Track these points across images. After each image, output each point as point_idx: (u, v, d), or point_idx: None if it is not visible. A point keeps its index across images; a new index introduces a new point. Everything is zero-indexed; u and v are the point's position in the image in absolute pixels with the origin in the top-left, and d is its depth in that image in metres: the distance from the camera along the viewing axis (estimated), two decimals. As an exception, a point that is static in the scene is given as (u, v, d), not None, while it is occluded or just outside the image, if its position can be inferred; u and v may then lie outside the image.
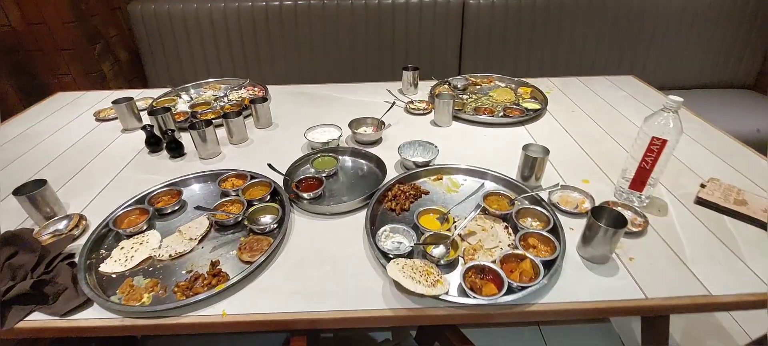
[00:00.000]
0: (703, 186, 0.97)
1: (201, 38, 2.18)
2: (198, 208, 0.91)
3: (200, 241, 0.86)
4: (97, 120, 1.44)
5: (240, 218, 0.89)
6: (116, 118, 1.40)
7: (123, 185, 1.07)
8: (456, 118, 1.36)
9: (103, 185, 1.07)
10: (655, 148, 0.82)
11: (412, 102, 1.47)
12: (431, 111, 1.41)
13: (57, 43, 1.95)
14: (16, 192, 0.89)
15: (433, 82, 1.62)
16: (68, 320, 0.70)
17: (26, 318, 0.70)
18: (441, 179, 1.05)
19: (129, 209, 0.93)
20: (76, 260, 0.80)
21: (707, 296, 0.71)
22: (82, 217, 0.92)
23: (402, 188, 0.98)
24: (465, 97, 1.52)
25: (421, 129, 1.31)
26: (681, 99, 0.81)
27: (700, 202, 0.94)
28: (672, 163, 1.08)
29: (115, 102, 1.33)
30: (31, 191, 0.89)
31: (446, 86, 1.59)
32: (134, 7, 2.14)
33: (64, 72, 2.03)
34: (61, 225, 0.90)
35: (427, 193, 0.99)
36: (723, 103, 2.12)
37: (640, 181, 0.89)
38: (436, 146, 1.12)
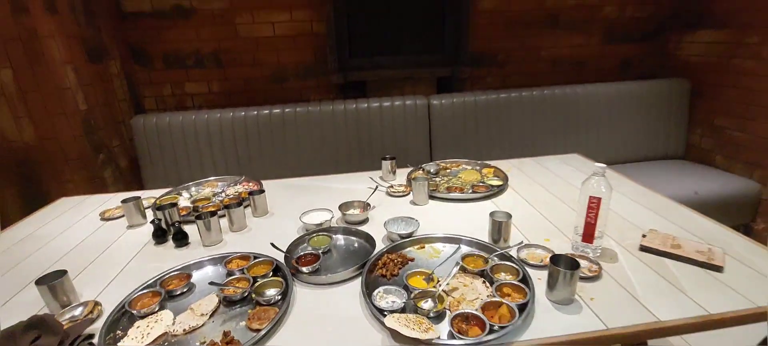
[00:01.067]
0: (644, 236, 1.11)
1: (198, 144, 2.33)
2: (212, 283, 0.97)
3: (211, 316, 0.91)
4: (103, 219, 1.50)
5: (247, 293, 0.96)
6: (122, 216, 1.47)
7: (132, 274, 1.11)
8: (431, 197, 1.50)
9: (114, 275, 1.11)
10: (594, 205, 0.97)
11: (392, 186, 1.61)
12: (409, 193, 1.55)
13: (65, 155, 2.05)
14: (39, 282, 0.93)
15: (409, 169, 1.78)
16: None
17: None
18: (423, 247, 1.15)
19: (142, 292, 0.98)
20: (95, 341, 0.83)
21: (658, 322, 0.81)
22: (96, 303, 0.95)
23: (390, 257, 1.08)
24: (437, 179, 1.69)
25: (401, 208, 1.44)
26: (604, 165, 0.99)
27: (644, 249, 1.07)
28: (617, 220, 1.23)
29: (124, 201, 1.41)
30: (52, 281, 0.94)
31: (421, 171, 1.75)
32: (137, 120, 2.31)
33: (67, 179, 2.10)
34: (77, 312, 0.93)
35: (412, 259, 1.09)
36: (661, 172, 2.38)
37: (588, 234, 1.02)
38: (416, 220, 1.24)
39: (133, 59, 2.44)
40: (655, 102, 2.51)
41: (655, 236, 1.11)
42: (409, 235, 1.17)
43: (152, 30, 2.38)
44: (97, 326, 0.88)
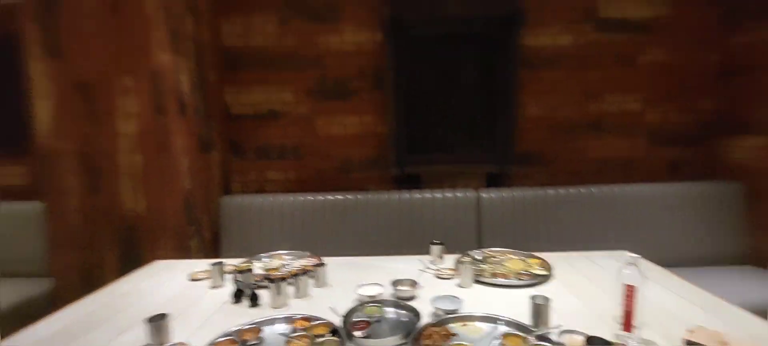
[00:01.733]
0: (690, 332, 1.09)
1: (272, 222, 2.61)
2: (282, 334, 1.10)
3: (277, 364, 1.03)
4: (191, 280, 1.73)
5: (308, 347, 1.07)
6: (207, 278, 1.69)
7: (214, 324, 1.28)
8: (477, 281, 1.57)
9: (199, 325, 1.29)
10: (629, 293, 1.01)
11: (439, 269, 1.70)
12: (456, 276, 1.63)
13: (164, 225, 2.40)
14: (149, 320, 1.13)
15: (458, 255, 1.87)
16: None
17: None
18: (466, 324, 1.21)
19: (222, 339, 1.13)
20: (186, 372, 0.98)
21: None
22: (185, 344, 1.12)
23: (435, 329, 1.15)
24: (484, 265, 1.75)
25: (447, 289, 1.51)
26: (637, 255, 1.03)
27: (690, 344, 1.05)
28: (661, 315, 1.22)
29: (213, 264, 1.64)
30: (158, 321, 1.13)
31: (468, 257, 1.83)
32: (225, 200, 2.67)
33: (161, 246, 2.43)
34: (172, 350, 1.10)
35: (455, 335, 1.15)
36: (724, 278, 2.21)
37: (627, 323, 1.04)
38: (460, 299, 1.31)
39: (231, 151, 2.89)
40: (707, 204, 2.42)
41: (702, 333, 1.08)
42: (454, 311, 1.25)
43: (250, 129, 2.85)
44: (187, 362, 1.03)
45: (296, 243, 2.60)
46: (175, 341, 1.17)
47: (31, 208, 2.58)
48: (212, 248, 2.75)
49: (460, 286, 1.54)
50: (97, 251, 2.35)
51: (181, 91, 2.35)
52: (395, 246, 2.57)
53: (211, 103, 2.67)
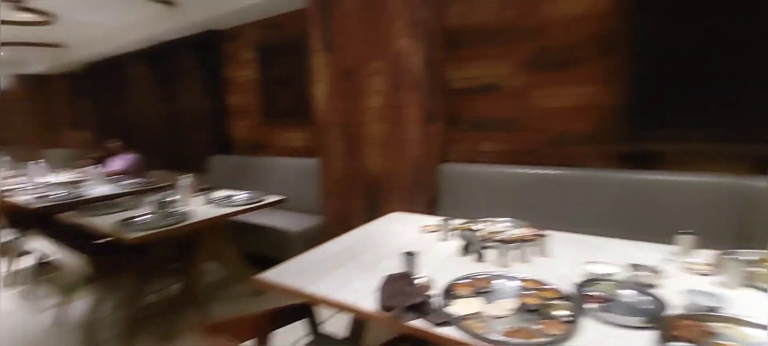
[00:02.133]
0: None
1: (484, 191, 2.74)
2: (514, 289, 1.21)
3: (511, 313, 1.14)
4: (422, 232, 2.03)
5: (539, 306, 1.14)
6: (436, 231, 1.95)
7: (446, 269, 1.49)
8: (749, 285, 1.27)
9: (435, 267, 1.52)
10: None
11: (689, 262, 1.45)
12: (714, 273, 1.36)
13: (394, 185, 2.85)
14: (406, 254, 1.42)
15: (713, 251, 1.54)
16: (434, 330, 1.07)
17: (412, 321, 1.11)
18: (730, 326, 1.02)
19: (461, 282, 1.32)
20: (433, 299, 1.20)
21: None
22: (429, 278, 1.35)
23: (690, 322, 1.02)
24: (758, 269, 1.39)
25: (699, 285, 1.29)
26: None
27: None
28: None
29: (443, 220, 1.88)
30: (412, 255, 1.40)
31: (735, 258, 1.49)
32: (444, 167, 2.94)
33: (392, 201, 2.90)
34: (420, 280, 1.35)
35: (715, 334, 1.00)
36: None
37: None
38: (721, 297, 1.11)
39: (450, 123, 3.15)
40: None
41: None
42: (715, 309, 1.07)
43: (466, 102, 3.02)
44: (428, 294, 1.26)
45: (508, 213, 2.66)
46: (422, 275, 1.43)
47: (310, 163, 3.49)
48: (432, 209, 3.10)
49: (723, 285, 1.29)
50: (351, 200, 3.01)
51: (414, 70, 2.69)
52: (615, 229, 2.30)
53: (436, 79, 2.95)
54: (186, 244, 2.38)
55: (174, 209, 2.39)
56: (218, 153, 4.52)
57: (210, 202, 2.65)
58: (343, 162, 2.99)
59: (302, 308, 1.49)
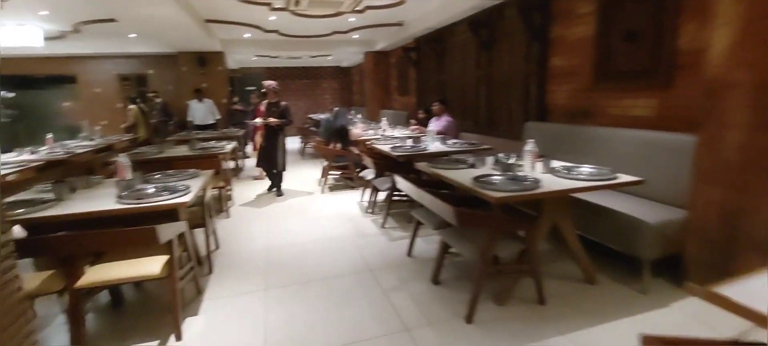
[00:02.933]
0: None
1: None
2: None
3: None
4: None
5: None
6: None
7: None
8: None
9: None
10: None
11: None
12: None
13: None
14: None
15: None
16: None
17: None
18: None
19: None
20: None
21: None
22: None
23: None
24: None
25: None
26: None
27: None
28: None
29: None
30: None
31: None
32: None
33: None
34: None
35: None
36: None
37: None
38: None
39: None
40: None
41: None
42: None
43: None
44: None
45: None
46: None
47: (667, 139, 2.71)
48: None
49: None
50: (749, 194, 2.12)
51: None
52: None
53: None
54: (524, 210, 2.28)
55: (522, 174, 2.32)
56: (533, 119, 4.33)
57: (550, 171, 2.43)
58: (746, 138, 2.10)
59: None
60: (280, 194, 5.10)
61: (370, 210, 4.23)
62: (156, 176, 2.74)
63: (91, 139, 5.66)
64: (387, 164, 3.81)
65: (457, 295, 2.44)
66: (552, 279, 2.54)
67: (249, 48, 8.95)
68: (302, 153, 8.78)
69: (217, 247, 3.34)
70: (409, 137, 4.68)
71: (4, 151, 4.80)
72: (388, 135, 5.37)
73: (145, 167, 3.07)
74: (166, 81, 9.33)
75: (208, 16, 6.45)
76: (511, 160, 2.54)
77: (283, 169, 5.03)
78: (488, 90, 5.37)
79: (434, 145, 3.99)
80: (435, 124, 5.49)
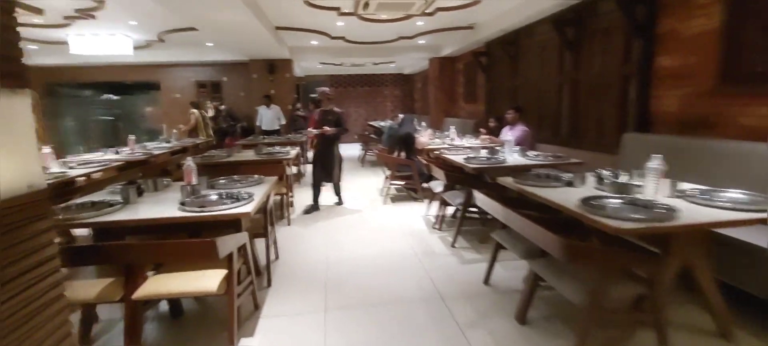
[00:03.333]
0: None
1: None
2: None
3: None
4: None
5: None
6: None
7: None
8: None
9: None
10: None
11: None
12: None
13: None
14: None
15: None
16: None
17: None
18: None
19: None
20: None
21: None
22: None
23: None
24: None
25: None
26: None
27: None
28: None
29: None
30: None
31: None
32: None
33: None
34: None
35: None
36: None
37: None
38: None
39: None
40: None
41: None
42: None
43: None
44: None
45: None
46: None
47: None
48: None
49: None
50: None
51: None
52: None
53: None
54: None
55: (643, 198, 1.85)
56: (631, 130, 3.71)
57: (679, 195, 1.93)
58: None
59: None
60: (340, 202, 4.90)
61: (436, 226, 3.88)
62: (221, 181, 2.65)
63: (167, 142, 5.95)
64: (458, 176, 3.45)
65: (550, 341, 2.02)
66: (675, 330, 2.01)
67: (315, 55, 9.07)
68: (362, 161, 8.68)
69: (277, 257, 3.20)
70: (482, 147, 4.28)
71: (107, 146, 5.17)
72: (456, 144, 5.00)
73: (211, 171, 3.03)
74: (238, 88, 9.76)
75: (278, 23, 6.56)
76: (625, 179, 2.07)
77: (339, 181, 4.73)
78: (573, 96, 4.78)
79: (513, 158, 3.56)
80: (508, 134, 5.02)
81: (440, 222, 3.84)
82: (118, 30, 6.42)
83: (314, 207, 4.64)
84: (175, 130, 6.71)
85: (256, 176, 2.79)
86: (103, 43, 6.67)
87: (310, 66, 10.99)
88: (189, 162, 2.36)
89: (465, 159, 3.51)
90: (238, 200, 2.11)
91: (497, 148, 3.99)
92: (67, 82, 9.82)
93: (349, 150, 10.35)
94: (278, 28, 6.80)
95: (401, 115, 5.58)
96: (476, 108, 7.99)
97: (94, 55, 6.93)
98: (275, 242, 3.20)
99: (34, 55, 8.20)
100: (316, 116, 4.77)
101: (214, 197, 2.20)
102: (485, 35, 6.62)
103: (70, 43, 6.64)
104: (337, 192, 4.85)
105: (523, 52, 5.97)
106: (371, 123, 10.72)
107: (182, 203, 2.06)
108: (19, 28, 1.04)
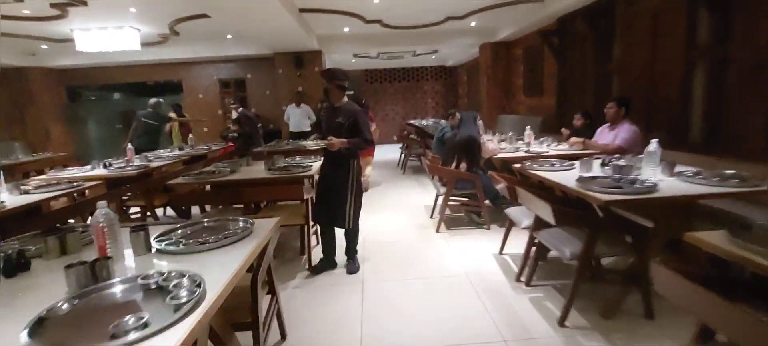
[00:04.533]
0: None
1: None
2: None
3: None
4: None
5: None
6: None
7: None
8: None
9: None
10: None
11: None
12: None
13: None
14: None
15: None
16: None
17: None
18: None
19: None
20: None
21: None
22: None
23: None
24: None
25: None
26: None
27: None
28: None
29: None
30: None
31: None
32: None
33: None
34: None
35: None
36: None
37: None
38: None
39: None
40: None
41: None
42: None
43: None
44: None
45: None
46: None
47: None
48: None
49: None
50: None
51: None
52: None
53: None
54: None
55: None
56: None
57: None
58: None
59: None
60: (353, 269, 2.89)
61: (523, 279, 2.61)
62: (169, 241, 1.55)
63: (180, 149, 5.51)
64: (577, 214, 2.15)
65: None
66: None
67: (348, 45, 7.95)
68: (403, 167, 7.38)
69: (283, 338, 2.08)
70: (596, 157, 2.91)
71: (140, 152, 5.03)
72: (535, 151, 3.69)
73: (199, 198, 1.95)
74: (262, 85, 8.85)
75: (303, 4, 5.48)
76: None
77: (353, 227, 2.87)
78: (715, 81, 3.33)
79: (665, 181, 2.16)
80: (608, 135, 3.65)
81: (530, 275, 2.56)
82: (120, 19, 5.60)
83: (328, 264, 2.96)
84: (191, 136, 5.84)
85: (242, 221, 1.67)
86: (110, 37, 5.90)
87: (343, 59, 9.89)
88: (102, 210, 1.26)
89: (580, 183, 2.15)
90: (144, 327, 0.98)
91: (620, 162, 2.62)
92: (86, 85, 9.33)
93: (386, 152, 9.12)
94: (302, 10, 5.72)
95: (459, 114, 4.30)
96: (542, 102, 6.55)
97: (103, 51, 6.19)
98: (280, 315, 2.08)
99: (48, 56, 7.66)
100: (322, 117, 3.47)
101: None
102: (560, 7, 5.21)
103: (75, 39, 5.93)
104: (350, 248, 2.95)
105: (621, 25, 4.52)
106: (411, 122, 9.44)
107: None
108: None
